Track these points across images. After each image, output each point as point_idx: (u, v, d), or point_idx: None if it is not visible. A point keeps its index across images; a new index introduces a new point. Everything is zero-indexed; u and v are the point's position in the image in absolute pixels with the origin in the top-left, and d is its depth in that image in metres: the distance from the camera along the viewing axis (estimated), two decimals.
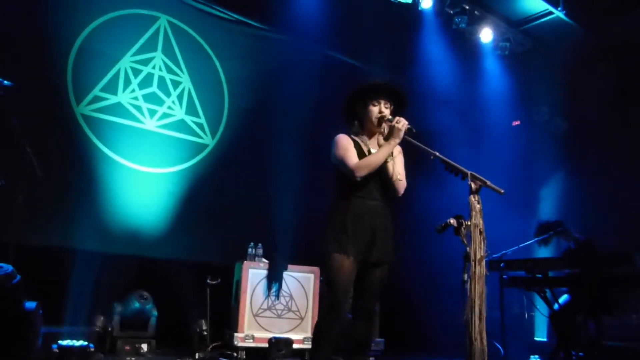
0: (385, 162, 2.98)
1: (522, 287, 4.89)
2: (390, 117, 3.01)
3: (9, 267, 3.39)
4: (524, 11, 6.88)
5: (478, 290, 2.55)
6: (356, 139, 3.08)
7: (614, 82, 6.55)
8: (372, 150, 3.05)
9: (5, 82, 4.27)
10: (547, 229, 5.29)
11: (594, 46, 6.85)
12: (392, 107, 3.09)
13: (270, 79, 6.68)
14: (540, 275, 4.60)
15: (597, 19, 6.70)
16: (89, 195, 5.37)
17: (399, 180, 3.07)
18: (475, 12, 6.85)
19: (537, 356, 5.89)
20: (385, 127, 3.06)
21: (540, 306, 5.33)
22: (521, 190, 6.88)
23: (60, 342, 4.10)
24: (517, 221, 6.44)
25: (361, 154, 2.98)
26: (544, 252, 5.84)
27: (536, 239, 5.30)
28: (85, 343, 4.16)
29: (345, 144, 3.00)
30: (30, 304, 3.50)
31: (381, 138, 3.10)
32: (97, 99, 5.58)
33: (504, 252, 5.19)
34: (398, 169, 3.07)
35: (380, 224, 2.94)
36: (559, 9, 6.57)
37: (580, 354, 4.67)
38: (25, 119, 4.58)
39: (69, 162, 5.32)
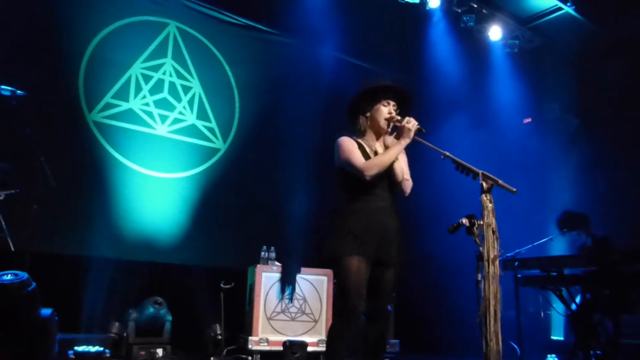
0: (392, 162, 2.96)
1: (537, 285, 4.85)
2: (399, 117, 2.99)
3: (24, 275, 3.42)
4: (532, 8, 6.83)
5: (492, 290, 2.53)
6: (360, 140, 3.03)
7: (626, 76, 6.48)
8: (380, 151, 3.03)
9: (19, 92, 4.33)
10: (571, 220, 5.24)
11: (605, 40, 6.78)
12: (398, 108, 3.06)
13: (280, 82, 6.70)
14: (555, 274, 4.56)
15: (607, 13, 6.63)
16: (102, 201, 5.41)
17: (406, 180, 3.06)
18: (484, 10, 6.82)
19: (554, 355, 5.82)
20: (390, 128, 3.05)
21: (557, 305, 5.28)
22: (534, 188, 6.82)
23: (76, 348, 4.14)
24: (530, 219, 6.39)
25: (366, 156, 2.94)
26: (558, 250, 5.80)
27: (558, 227, 5.26)
28: (101, 349, 4.19)
29: (349, 146, 2.95)
30: (46, 311, 3.52)
31: (387, 138, 3.08)
32: (109, 106, 5.63)
33: (518, 250, 5.15)
34: (404, 168, 3.06)
35: (391, 224, 2.91)
36: (568, 4, 6.51)
37: (599, 352, 4.62)
38: (39, 128, 4.64)
39: (82, 170, 5.36)
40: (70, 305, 4.66)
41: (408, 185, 3.06)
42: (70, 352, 4.10)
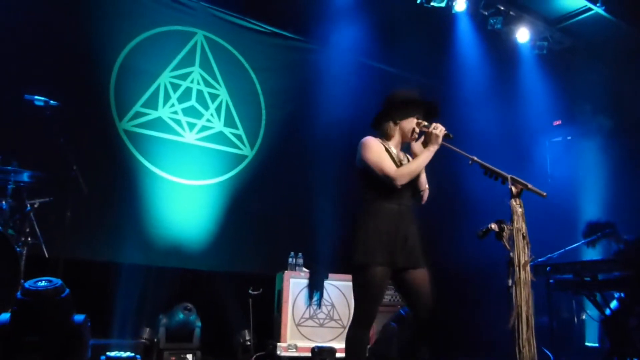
0: None
1: (570, 290, 4.75)
2: (426, 123, 2.97)
3: (58, 281, 3.49)
4: (561, 9, 6.71)
5: (524, 296, 2.49)
6: (384, 144, 3.01)
7: None
8: (400, 159, 3.02)
9: (52, 102, 4.43)
10: (596, 230, 5.12)
11: (637, 40, 6.63)
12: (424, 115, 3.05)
13: (306, 88, 6.73)
14: (589, 279, 4.46)
15: (638, 13, 6.48)
16: (133, 209, 5.49)
17: (427, 189, 3.06)
18: (511, 13, 6.73)
19: None
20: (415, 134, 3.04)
21: (591, 310, 5.16)
22: (565, 191, 6.70)
23: (108, 353, 4.19)
24: (562, 223, 6.27)
25: (394, 163, 2.93)
26: (592, 255, 5.67)
27: (585, 240, 5.15)
28: (133, 354, 4.24)
29: (378, 150, 2.92)
30: (79, 317, 3.58)
31: (414, 145, 3.07)
32: (138, 115, 5.72)
33: (550, 255, 5.06)
34: (424, 177, 3.05)
35: (412, 228, 2.90)
36: (598, 4, 6.39)
37: (635, 359, 4.50)
38: (72, 137, 4.74)
39: (113, 178, 5.46)
40: (102, 311, 4.73)
41: (426, 194, 3.08)
42: (103, 357, 4.15)
